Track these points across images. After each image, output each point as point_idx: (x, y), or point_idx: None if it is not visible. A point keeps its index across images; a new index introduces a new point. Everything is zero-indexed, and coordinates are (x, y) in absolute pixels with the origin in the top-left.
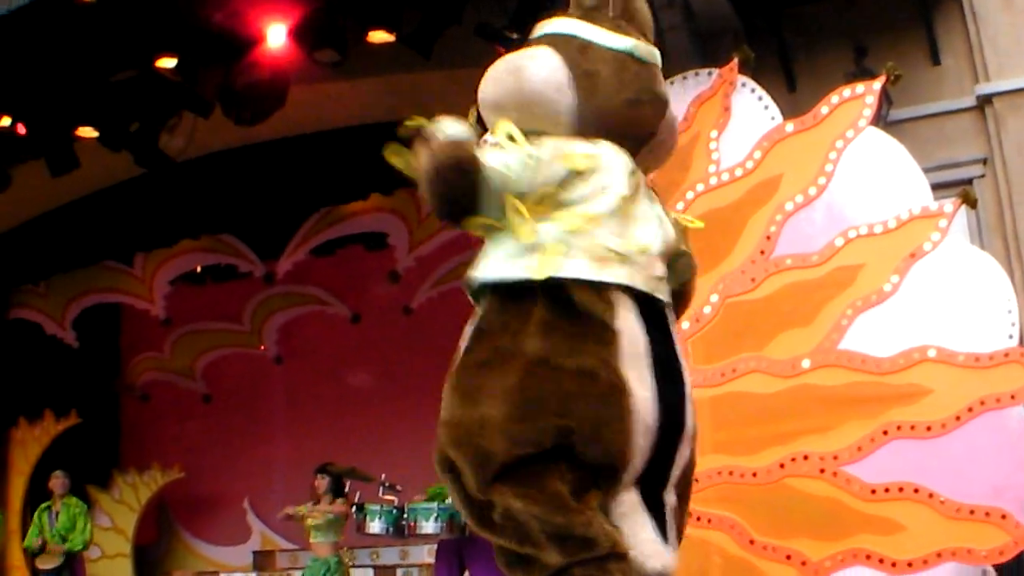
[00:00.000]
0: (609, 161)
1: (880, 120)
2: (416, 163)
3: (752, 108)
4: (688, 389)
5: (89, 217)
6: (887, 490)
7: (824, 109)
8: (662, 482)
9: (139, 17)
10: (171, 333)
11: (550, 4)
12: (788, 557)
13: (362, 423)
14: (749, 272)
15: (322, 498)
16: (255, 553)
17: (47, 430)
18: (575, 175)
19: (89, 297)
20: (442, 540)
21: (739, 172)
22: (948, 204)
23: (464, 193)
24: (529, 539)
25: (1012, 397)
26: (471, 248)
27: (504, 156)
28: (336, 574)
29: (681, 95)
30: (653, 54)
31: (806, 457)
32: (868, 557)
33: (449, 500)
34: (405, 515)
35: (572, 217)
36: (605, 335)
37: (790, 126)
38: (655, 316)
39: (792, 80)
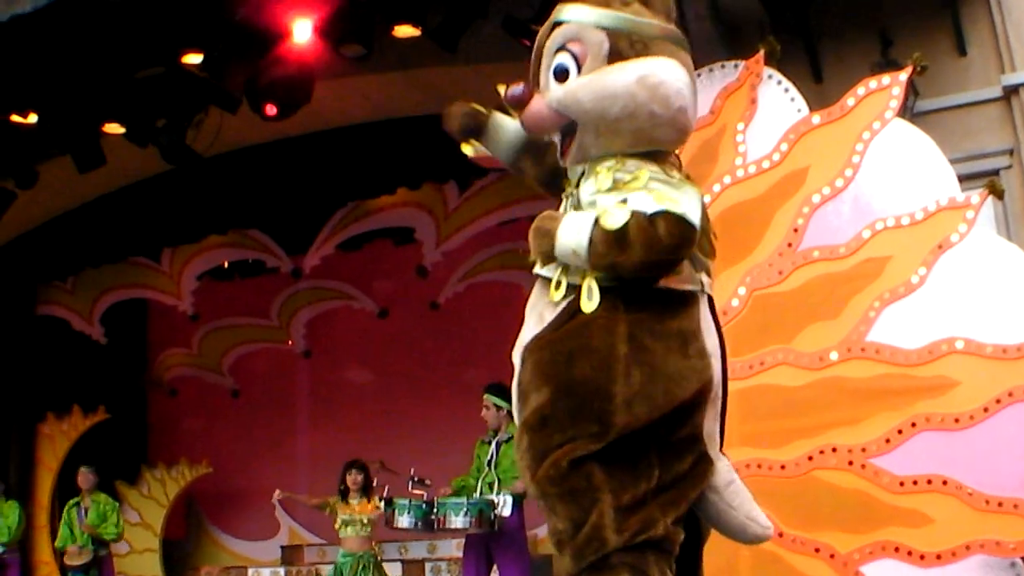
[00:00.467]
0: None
1: (906, 111)
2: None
3: (778, 100)
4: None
5: (116, 213)
6: (915, 482)
7: (850, 100)
8: (721, 444)
9: (165, 13)
10: (199, 328)
11: None
12: (817, 550)
13: (389, 417)
14: (776, 265)
15: (353, 493)
16: (283, 548)
17: (75, 426)
18: None
19: (116, 293)
20: (470, 534)
21: (766, 164)
22: (975, 195)
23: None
24: (595, 518)
25: None
26: (498, 243)
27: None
28: (368, 570)
29: (707, 87)
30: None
31: (834, 449)
32: (897, 549)
33: (477, 494)
34: (435, 510)
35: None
36: (686, 303)
37: (816, 118)
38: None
39: (818, 71)
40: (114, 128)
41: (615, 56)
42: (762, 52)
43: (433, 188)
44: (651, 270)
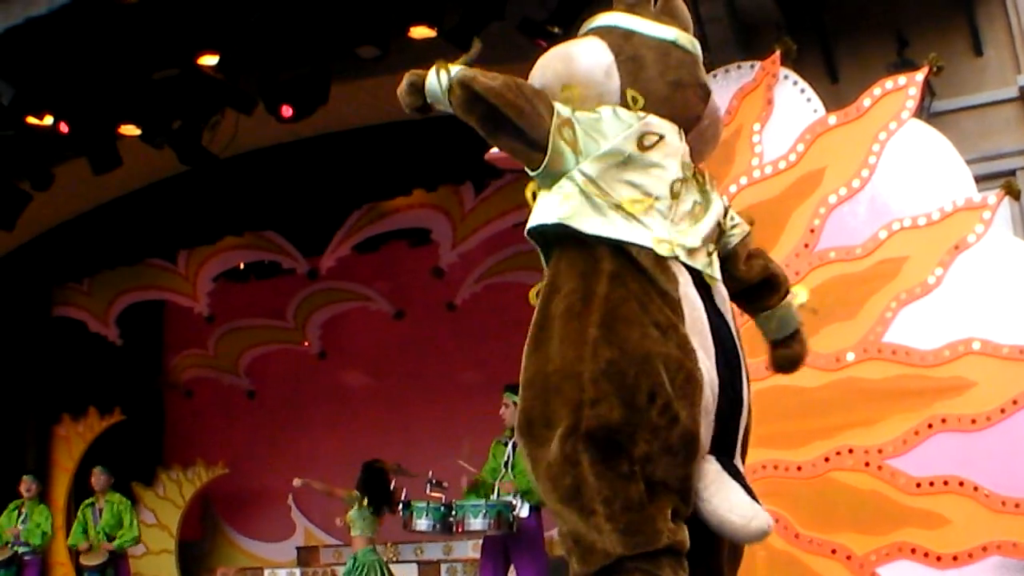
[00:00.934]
0: (671, 140)
1: (923, 112)
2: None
3: (795, 100)
4: (744, 363)
5: (132, 215)
6: (932, 484)
7: (867, 101)
8: (730, 450)
9: (181, 15)
10: (215, 330)
11: None
12: (833, 551)
13: (405, 418)
14: (793, 265)
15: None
16: (299, 549)
17: (91, 427)
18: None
19: (132, 294)
20: (488, 536)
21: (782, 165)
22: (991, 196)
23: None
24: (593, 522)
25: None
26: (515, 244)
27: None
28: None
29: (723, 88)
30: (695, 44)
31: (851, 451)
32: (913, 551)
33: (496, 496)
34: (453, 512)
35: (632, 192)
36: (668, 299)
37: (833, 118)
38: (708, 292)
39: (834, 72)
40: (130, 130)
41: None
42: (778, 53)
43: (449, 189)
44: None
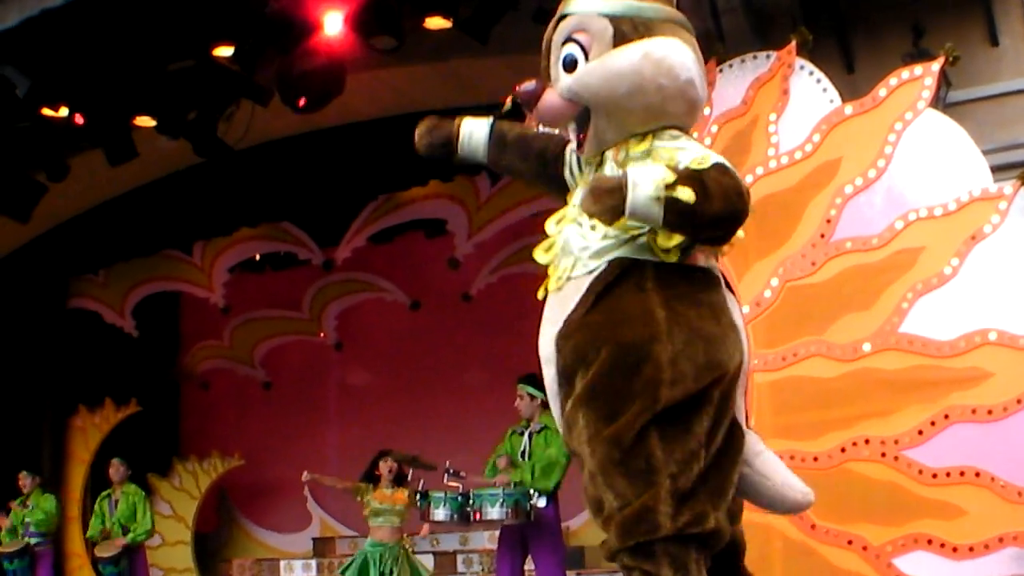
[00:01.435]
0: None
1: (939, 102)
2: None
3: (811, 91)
4: None
5: (147, 206)
6: (948, 474)
7: (883, 91)
8: None
9: (196, 6)
10: (230, 321)
11: None
12: (849, 542)
13: (422, 409)
14: (809, 256)
15: (385, 480)
16: (315, 540)
17: (107, 418)
18: None
19: (148, 286)
20: (505, 526)
21: (798, 155)
22: (1008, 186)
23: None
24: (652, 492)
25: None
26: (531, 235)
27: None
28: (399, 562)
29: (739, 78)
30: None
31: (867, 441)
32: (930, 542)
33: (514, 486)
34: (471, 502)
35: None
36: (713, 279)
37: (849, 109)
38: None
39: (850, 61)
40: (145, 121)
41: (620, 40)
42: (794, 43)
43: (465, 180)
44: (727, 221)
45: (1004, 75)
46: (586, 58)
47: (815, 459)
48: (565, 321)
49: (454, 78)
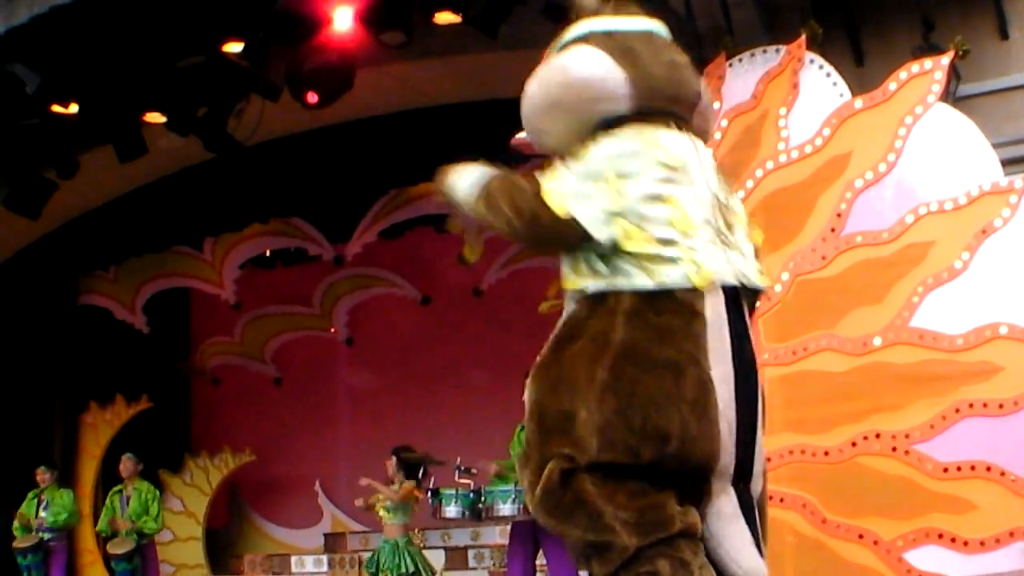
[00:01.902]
0: (688, 159)
1: (948, 96)
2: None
3: (820, 85)
4: (761, 382)
5: (158, 202)
6: (959, 468)
7: (892, 85)
8: (747, 476)
9: (206, 2)
10: (241, 317)
11: None
12: (860, 536)
13: (432, 405)
14: (820, 250)
15: (394, 478)
16: (326, 535)
17: (118, 414)
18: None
19: (159, 282)
20: (517, 521)
21: (808, 149)
22: (1018, 180)
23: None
24: (602, 524)
25: None
26: None
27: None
28: (405, 555)
29: (749, 72)
30: (666, 29)
31: (878, 435)
32: (941, 536)
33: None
34: (482, 498)
35: (666, 230)
36: (693, 326)
37: (859, 102)
38: (738, 307)
39: (860, 55)
40: (155, 117)
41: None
42: (804, 37)
43: None
44: (524, 239)
45: (1014, 68)
46: None
47: (826, 453)
48: (539, 357)
49: (463, 73)
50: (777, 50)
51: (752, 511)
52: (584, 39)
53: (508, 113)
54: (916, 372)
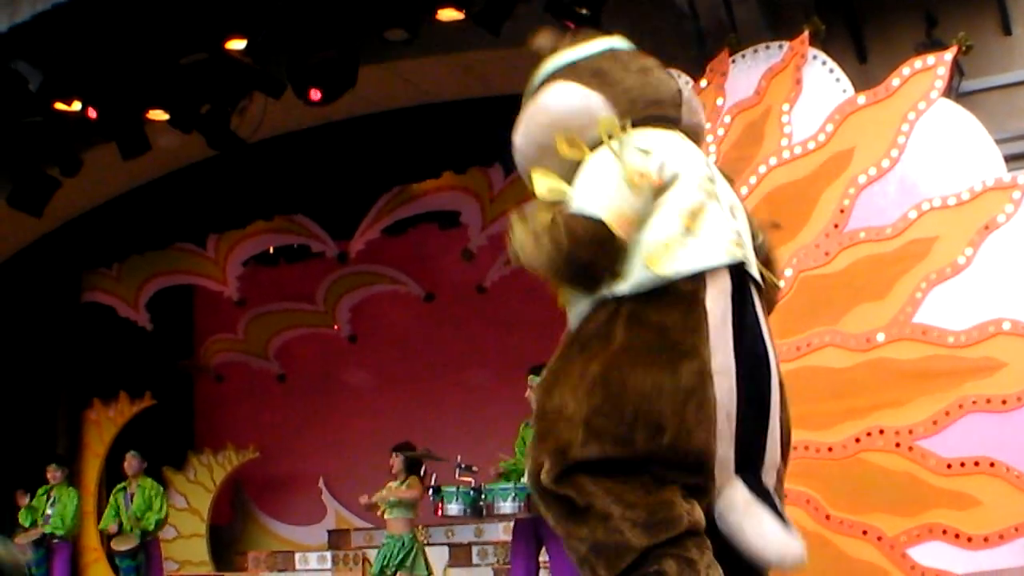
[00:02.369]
0: (677, 155)
1: (951, 91)
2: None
3: (823, 81)
4: (775, 368)
5: (161, 199)
6: (963, 464)
7: (895, 81)
8: (757, 466)
9: None
10: (244, 314)
11: None
12: (864, 532)
13: (436, 402)
14: (823, 246)
15: (397, 476)
16: (330, 532)
17: (122, 412)
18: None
19: (162, 279)
20: (519, 519)
21: (811, 145)
22: (1021, 175)
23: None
24: (610, 526)
25: None
26: None
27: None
28: (409, 551)
29: (752, 68)
30: (626, 42)
31: (881, 431)
32: (944, 532)
33: (525, 479)
34: (483, 496)
35: (670, 221)
36: (693, 316)
37: (862, 98)
38: (745, 298)
39: (863, 52)
40: (158, 114)
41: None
42: (807, 33)
43: (478, 171)
44: (566, 275)
45: (1017, 64)
46: None
47: (829, 449)
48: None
49: (467, 70)
50: (780, 46)
51: (770, 497)
52: (551, 77)
53: (511, 110)
54: (919, 368)
